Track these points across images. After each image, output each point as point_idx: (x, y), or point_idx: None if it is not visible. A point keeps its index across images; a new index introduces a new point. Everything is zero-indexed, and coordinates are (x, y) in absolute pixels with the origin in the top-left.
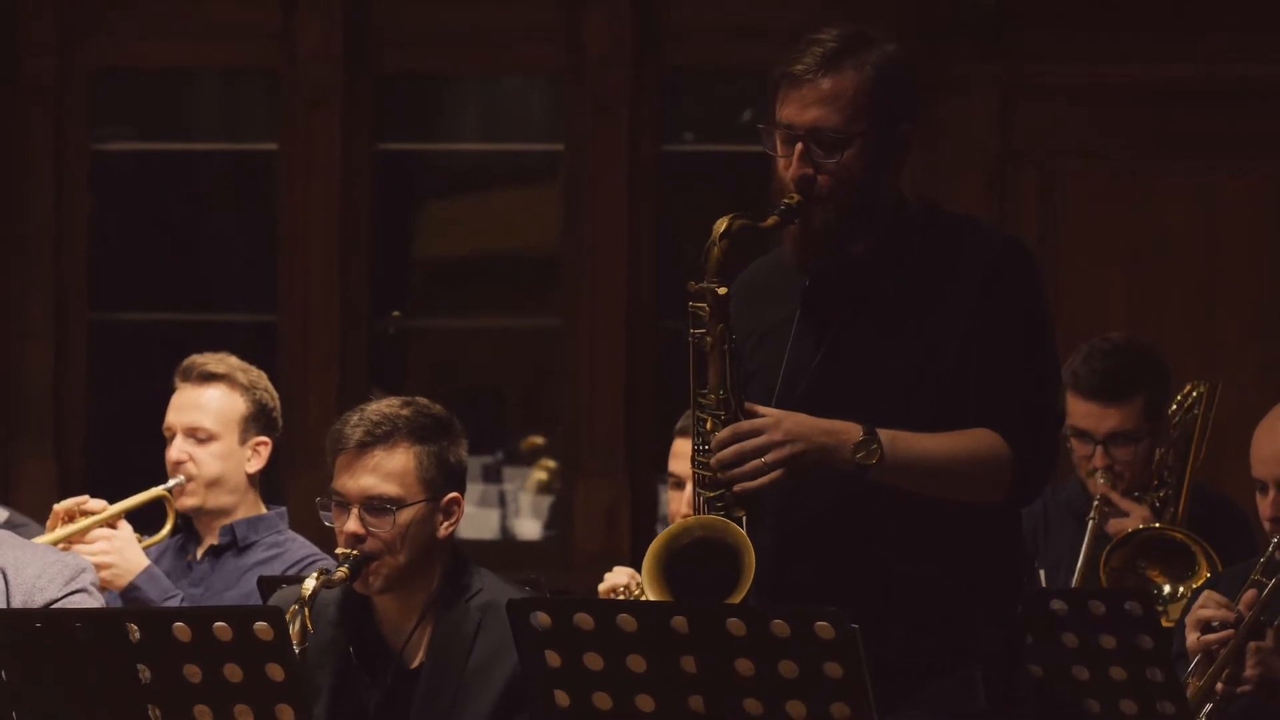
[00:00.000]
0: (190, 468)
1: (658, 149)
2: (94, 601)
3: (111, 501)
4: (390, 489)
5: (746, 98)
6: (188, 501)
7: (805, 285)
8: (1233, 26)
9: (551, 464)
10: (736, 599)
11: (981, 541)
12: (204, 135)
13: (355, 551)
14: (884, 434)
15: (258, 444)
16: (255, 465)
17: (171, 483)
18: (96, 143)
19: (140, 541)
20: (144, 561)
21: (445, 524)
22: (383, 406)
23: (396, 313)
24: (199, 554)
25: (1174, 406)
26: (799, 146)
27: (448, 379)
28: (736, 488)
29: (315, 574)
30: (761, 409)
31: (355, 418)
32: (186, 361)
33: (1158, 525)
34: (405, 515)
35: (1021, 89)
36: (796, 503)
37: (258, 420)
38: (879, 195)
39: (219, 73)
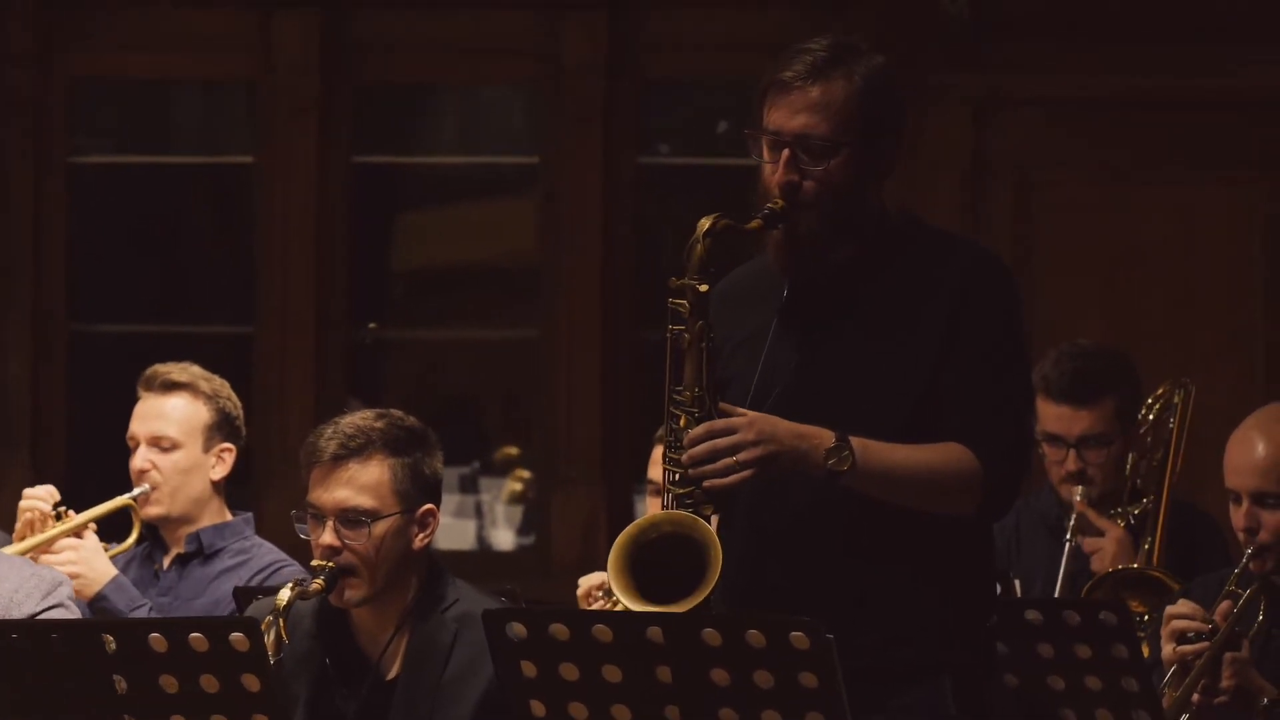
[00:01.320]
0: (154, 476)
1: (634, 161)
2: (71, 616)
3: (79, 511)
4: (365, 501)
5: (723, 110)
6: (152, 510)
7: (785, 293)
8: (1209, 38)
9: (525, 474)
10: (701, 596)
11: (955, 551)
12: (182, 147)
13: (331, 563)
14: (856, 442)
15: (222, 451)
16: (220, 473)
17: (136, 491)
18: (74, 155)
19: (106, 551)
20: (111, 571)
21: (420, 535)
22: (357, 419)
23: (374, 324)
24: (165, 563)
25: (1144, 410)
26: (785, 153)
27: (425, 390)
28: (706, 484)
29: (290, 585)
30: (736, 409)
31: (329, 430)
32: (149, 371)
33: (1136, 566)
34: (380, 527)
35: (997, 100)
36: (771, 506)
37: (221, 428)
38: (863, 204)
39: (197, 85)
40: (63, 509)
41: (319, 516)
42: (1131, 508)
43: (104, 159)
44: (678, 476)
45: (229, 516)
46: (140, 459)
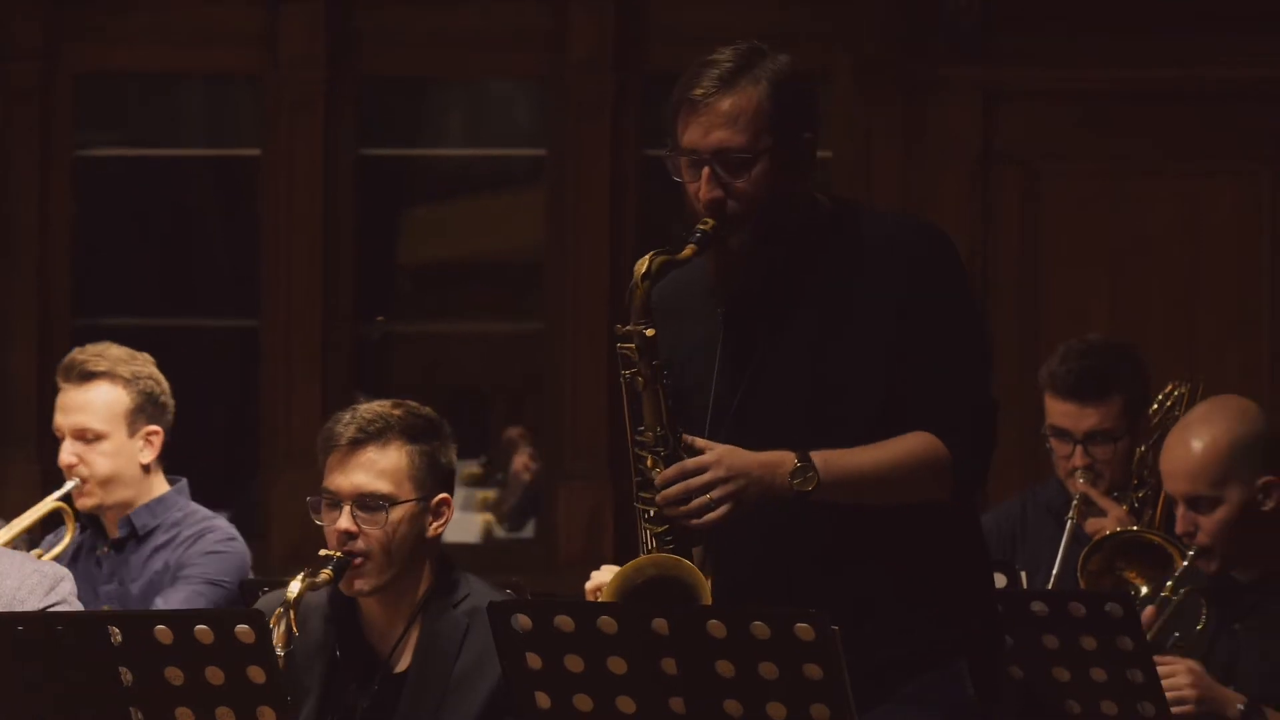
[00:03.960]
0: (82, 469)
1: (641, 153)
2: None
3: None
4: (383, 486)
5: None
6: (86, 502)
7: (724, 308)
8: (1215, 29)
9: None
10: None
11: (942, 544)
12: (187, 140)
13: (338, 553)
14: (817, 457)
15: (149, 434)
16: (149, 455)
17: (66, 488)
18: (80, 148)
19: (42, 555)
20: None
21: (434, 525)
22: (375, 406)
23: (380, 317)
24: (106, 549)
25: (1155, 406)
26: (705, 170)
27: (432, 383)
28: (691, 523)
29: (300, 576)
30: (701, 443)
31: (347, 416)
32: (67, 359)
33: (1135, 528)
34: (397, 513)
35: (1004, 91)
36: (754, 543)
37: (144, 410)
38: (790, 207)
39: (202, 78)
40: None
41: (335, 502)
42: (1135, 494)
43: (110, 152)
44: (652, 513)
45: (164, 489)
46: (66, 453)
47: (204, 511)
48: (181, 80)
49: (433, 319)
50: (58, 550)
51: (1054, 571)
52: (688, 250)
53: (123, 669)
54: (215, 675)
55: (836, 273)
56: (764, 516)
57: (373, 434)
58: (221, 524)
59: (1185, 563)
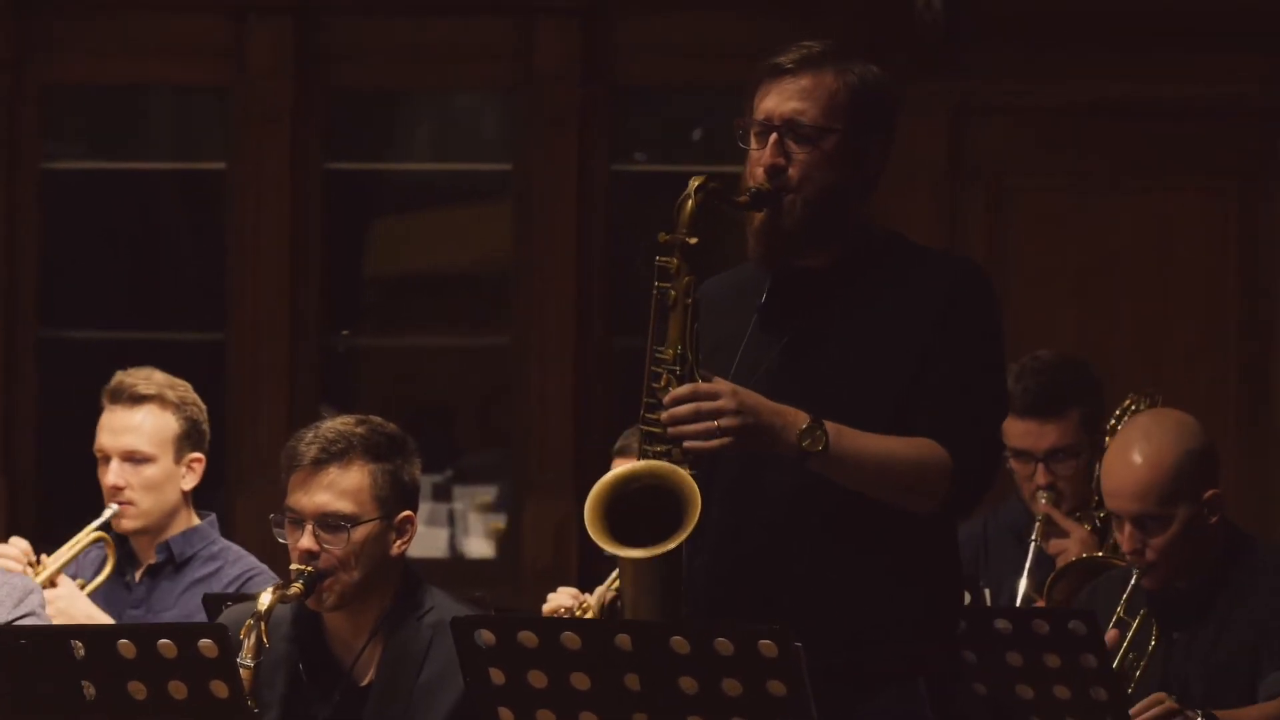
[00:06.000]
0: (129, 493)
1: (608, 168)
2: (42, 624)
3: (44, 538)
4: (345, 506)
5: (697, 117)
6: (128, 525)
7: (762, 299)
8: (1181, 46)
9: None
10: (678, 540)
11: (927, 552)
12: (154, 153)
13: (310, 568)
14: (830, 425)
15: (192, 461)
16: (190, 483)
17: (106, 514)
18: (46, 160)
19: (83, 587)
20: (95, 613)
21: (398, 542)
22: (337, 424)
23: (346, 331)
24: (137, 575)
25: (1112, 421)
26: (773, 137)
27: (398, 397)
28: (687, 444)
29: (271, 589)
30: (716, 378)
31: (310, 435)
32: (115, 381)
33: (1099, 554)
34: (359, 533)
35: (970, 107)
36: (745, 507)
37: (190, 437)
38: (846, 200)
39: (169, 90)
40: (33, 561)
41: (298, 521)
42: (1097, 513)
43: (76, 165)
44: (653, 436)
45: (196, 521)
46: (114, 475)
47: (236, 548)
48: (148, 93)
49: (399, 332)
50: (97, 584)
51: (1019, 593)
52: (742, 198)
53: (85, 683)
54: (178, 690)
55: (873, 294)
56: (743, 511)
57: (335, 454)
58: (256, 564)
59: (1133, 582)
